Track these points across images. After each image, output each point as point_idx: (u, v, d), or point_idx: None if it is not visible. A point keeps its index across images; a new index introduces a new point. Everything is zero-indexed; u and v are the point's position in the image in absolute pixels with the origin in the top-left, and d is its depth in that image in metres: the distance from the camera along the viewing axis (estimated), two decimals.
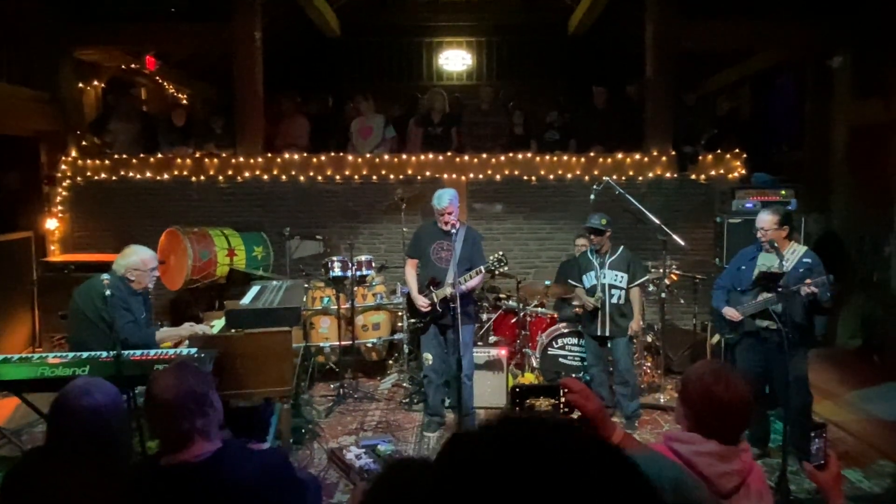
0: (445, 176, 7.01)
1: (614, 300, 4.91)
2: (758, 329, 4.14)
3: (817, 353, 5.19)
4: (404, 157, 7.11)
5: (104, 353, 3.57)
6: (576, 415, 1.48)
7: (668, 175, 6.92)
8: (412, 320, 5.17)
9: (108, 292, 3.51)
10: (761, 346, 4.15)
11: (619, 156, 6.96)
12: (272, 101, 7.64)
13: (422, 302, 4.68)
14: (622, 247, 5.07)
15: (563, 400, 1.47)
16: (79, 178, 7.05)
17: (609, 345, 5.03)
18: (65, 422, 2.02)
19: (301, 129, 7.67)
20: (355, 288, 5.75)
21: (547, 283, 6.04)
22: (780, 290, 3.92)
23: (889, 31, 6.24)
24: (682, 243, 5.24)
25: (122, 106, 7.76)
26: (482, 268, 4.59)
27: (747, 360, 4.24)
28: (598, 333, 4.96)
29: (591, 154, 7.07)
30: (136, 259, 4.05)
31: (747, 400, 1.89)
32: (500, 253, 4.64)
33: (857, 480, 4.01)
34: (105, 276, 3.71)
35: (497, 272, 4.74)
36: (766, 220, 4.16)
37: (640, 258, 5.35)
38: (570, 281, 5.25)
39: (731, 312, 4.24)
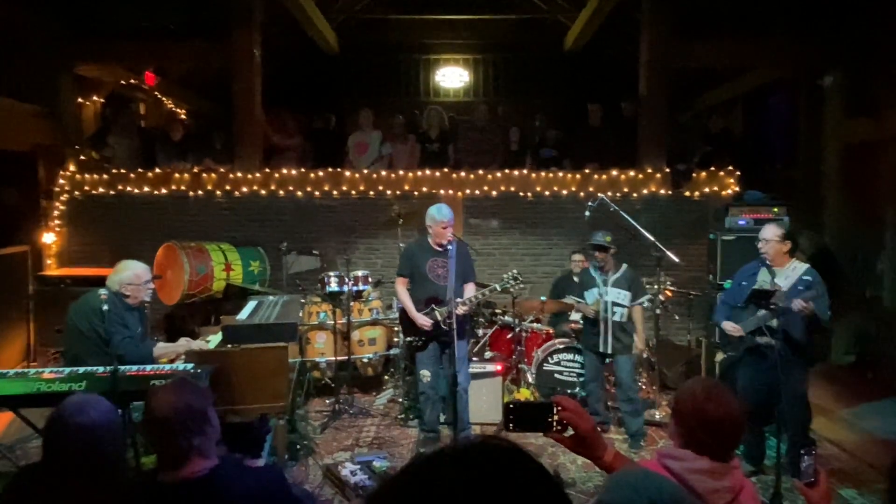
0: (442, 192, 7.06)
1: (616, 318, 4.91)
2: (758, 346, 4.13)
3: (812, 370, 5.22)
4: (401, 173, 7.16)
5: (101, 369, 3.57)
6: (568, 433, 1.49)
7: (662, 192, 6.99)
8: (408, 339, 5.17)
9: (105, 307, 3.53)
10: (762, 363, 4.11)
11: (614, 172, 7.03)
12: (275, 115, 7.73)
13: (423, 321, 4.60)
14: (625, 265, 5.08)
15: (556, 417, 1.48)
16: (76, 193, 7.08)
17: (608, 361, 5.06)
18: (59, 439, 2.02)
19: (296, 148, 7.76)
20: (351, 303, 5.76)
21: (542, 298, 6.08)
22: (772, 307, 3.96)
23: (879, 51, 6.35)
24: (677, 260, 5.29)
25: (120, 120, 7.82)
26: (497, 286, 4.66)
27: (748, 377, 4.23)
28: (601, 350, 4.96)
29: (586, 171, 7.13)
30: (130, 273, 4.05)
31: (738, 417, 1.92)
32: (515, 271, 4.66)
33: (852, 498, 4.02)
34: (102, 291, 3.73)
35: (511, 290, 4.77)
36: (769, 231, 4.17)
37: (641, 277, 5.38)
38: (571, 297, 5.27)
39: (730, 326, 4.24)
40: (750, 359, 4.23)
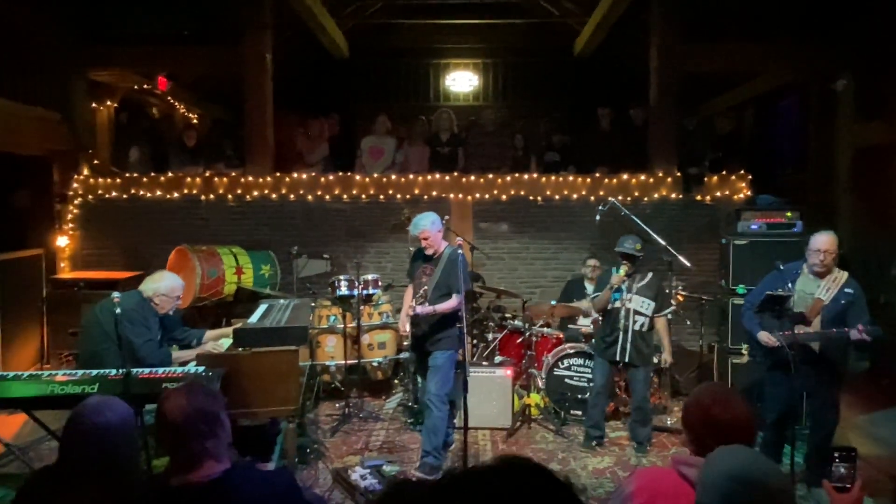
0: (452, 196, 7.07)
1: (637, 326, 4.74)
2: (791, 357, 3.91)
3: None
4: (411, 177, 7.18)
5: (113, 371, 3.61)
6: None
7: (673, 196, 6.96)
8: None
9: (118, 310, 3.56)
10: (794, 373, 3.92)
11: (625, 177, 7.01)
12: (300, 121, 7.80)
13: (401, 323, 4.69)
14: (652, 273, 4.90)
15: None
16: (90, 197, 7.15)
17: (626, 371, 4.93)
18: (77, 440, 2.03)
19: (323, 150, 7.81)
20: (361, 307, 5.77)
21: (553, 302, 6.06)
22: (787, 313, 3.89)
23: (892, 54, 6.30)
24: (688, 264, 5.26)
25: (136, 127, 7.92)
26: (412, 301, 4.49)
27: (777, 387, 4.12)
28: (617, 359, 4.77)
29: (597, 175, 7.11)
30: (167, 285, 4.18)
31: (747, 419, 1.90)
32: (424, 288, 4.50)
33: None
34: (116, 295, 3.77)
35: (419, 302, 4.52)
36: (830, 241, 3.93)
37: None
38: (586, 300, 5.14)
39: (766, 338, 4.02)
40: (780, 368, 4.04)
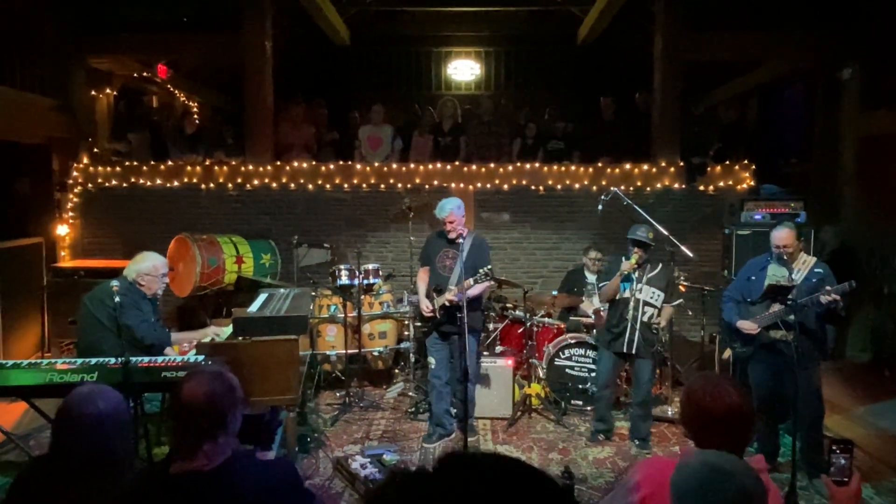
0: (453, 185, 7.03)
1: (645, 318, 4.61)
2: (772, 341, 4.10)
3: (827, 367, 5.15)
4: (412, 166, 7.14)
5: (112, 360, 3.60)
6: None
7: (676, 186, 6.91)
8: (418, 324, 5.37)
9: (117, 298, 3.55)
10: (774, 359, 4.10)
11: (627, 166, 6.96)
12: (283, 107, 7.70)
13: (425, 305, 4.69)
14: (661, 264, 4.80)
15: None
16: (90, 185, 7.12)
17: (629, 362, 4.84)
18: (68, 428, 2.02)
19: (308, 135, 7.72)
20: (362, 296, 5.75)
21: (554, 293, 6.04)
22: (789, 301, 3.91)
23: None
24: (691, 254, 5.22)
25: (134, 114, 7.87)
26: (471, 280, 4.41)
27: (760, 374, 4.20)
28: (625, 350, 4.66)
29: (599, 164, 7.06)
30: (148, 265, 4.14)
31: (742, 408, 1.87)
32: (488, 267, 4.44)
33: (869, 498, 3.96)
34: (115, 283, 3.76)
35: (481, 281, 4.52)
36: (788, 235, 4.14)
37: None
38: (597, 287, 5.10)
39: (747, 325, 4.15)
40: (761, 354, 4.19)
